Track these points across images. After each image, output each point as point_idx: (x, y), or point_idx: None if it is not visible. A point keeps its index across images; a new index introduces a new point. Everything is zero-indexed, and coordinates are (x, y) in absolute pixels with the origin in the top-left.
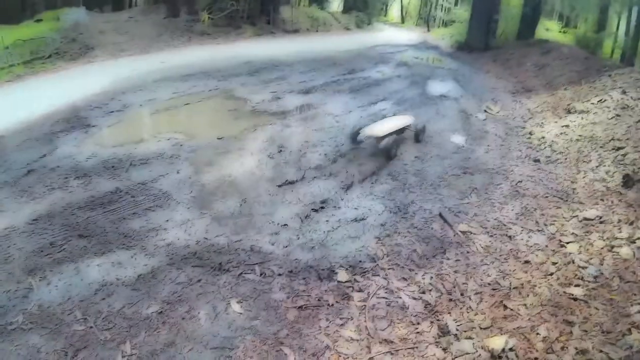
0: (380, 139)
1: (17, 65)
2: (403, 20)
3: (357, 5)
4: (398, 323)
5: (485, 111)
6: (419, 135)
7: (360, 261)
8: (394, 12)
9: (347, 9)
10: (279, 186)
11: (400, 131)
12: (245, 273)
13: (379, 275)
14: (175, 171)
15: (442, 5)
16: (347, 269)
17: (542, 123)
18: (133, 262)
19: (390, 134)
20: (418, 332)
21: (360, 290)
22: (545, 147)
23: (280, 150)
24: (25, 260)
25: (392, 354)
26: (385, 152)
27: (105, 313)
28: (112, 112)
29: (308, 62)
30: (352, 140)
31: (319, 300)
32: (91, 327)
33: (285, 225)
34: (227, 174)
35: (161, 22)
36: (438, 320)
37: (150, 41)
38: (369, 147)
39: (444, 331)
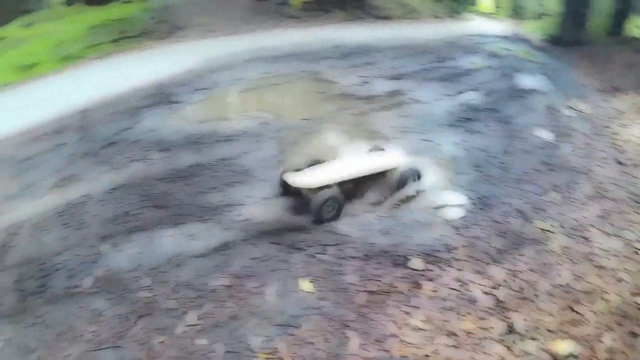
0: (314, 191)
1: (105, 44)
2: (494, 10)
3: None
4: (465, 316)
5: (572, 108)
6: (403, 182)
7: (435, 250)
8: (486, 1)
9: None
10: None
11: (367, 179)
12: (319, 253)
13: (452, 266)
14: (260, 150)
15: None
16: (421, 257)
17: (629, 124)
18: (207, 235)
19: (332, 185)
20: (484, 328)
21: (432, 280)
22: (630, 150)
23: (367, 134)
24: (99, 227)
25: (455, 347)
26: (315, 211)
27: (173, 283)
28: (198, 89)
29: (398, 49)
30: (282, 187)
31: (390, 286)
32: (157, 295)
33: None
34: (312, 154)
35: (250, 4)
36: (506, 317)
37: (239, 23)
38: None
39: (510, 329)
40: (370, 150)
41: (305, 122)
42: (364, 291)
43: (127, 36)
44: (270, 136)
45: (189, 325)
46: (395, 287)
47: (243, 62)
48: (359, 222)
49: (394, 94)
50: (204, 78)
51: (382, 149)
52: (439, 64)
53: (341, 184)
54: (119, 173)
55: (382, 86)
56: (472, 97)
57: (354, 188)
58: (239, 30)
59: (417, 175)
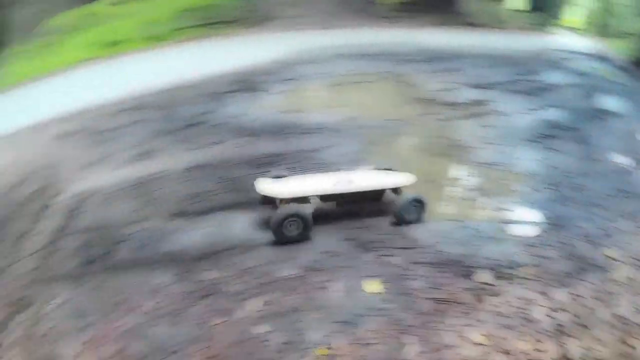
0: (285, 203)
1: (193, 28)
2: (580, 25)
3: (537, 6)
4: (523, 336)
5: None
6: (404, 214)
7: (502, 265)
8: (573, 16)
9: (526, 8)
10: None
11: (358, 199)
12: (388, 255)
13: (517, 283)
14: (341, 145)
15: (622, 16)
16: (488, 271)
17: None
18: None
19: (310, 199)
20: (540, 350)
21: (496, 295)
22: None
23: (449, 142)
24: (172, 203)
25: None
26: (273, 228)
27: (239, 267)
28: (283, 80)
29: (483, 58)
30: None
31: (454, 296)
32: (222, 277)
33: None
34: (392, 155)
35: (340, 0)
36: (562, 342)
37: (328, 18)
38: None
39: (564, 355)
40: (378, 169)
41: (389, 123)
42: (428, 298)
43: (215, 22)
44: (352, 133)
45: (250, 311)
46: (460, 298)
47: (329, 57)
48: (430, 229)
49: (477, 103)
50: (289, 69)
51: (391, 169)
52: (523, 77)
53: (324, 200)
54: (198, 154)
55: (466, 94)
56: (553, 114)
57: (343, 207)
58: (328, 25)
59: (422, 203)
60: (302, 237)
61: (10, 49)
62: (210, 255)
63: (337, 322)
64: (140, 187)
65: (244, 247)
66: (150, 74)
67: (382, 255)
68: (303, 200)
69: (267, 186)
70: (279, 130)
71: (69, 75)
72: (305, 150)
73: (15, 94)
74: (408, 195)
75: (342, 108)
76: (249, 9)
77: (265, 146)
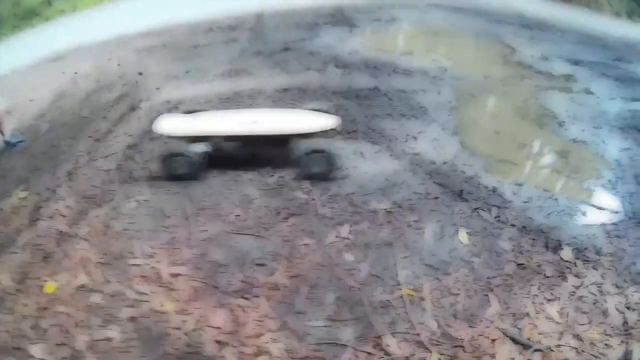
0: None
1: None
2: None
3: None
4: (595, 326)
5: None
6: (304, 166)
7: (586, 248)
8: None
9: None
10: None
11: (262, 142)
12: (481, 209)
13: (597, 270)
14: (437, 92)
15: None
16: (572, 250)
17: None
18: (375, 156)
19: (209, 138)
20: (607, 344)
21: (577, 276)
22: None
23: (540, 110)
24: None
25: (577, 352)
26: (161, 164)
27: (333, 192)
28: (379, 19)
29: (578, 34)
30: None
31: (538, 266)
32: (314, 199)
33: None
34: (487, 112)
35: None
36: (627, 342)
37: None
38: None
39: (627, 356)
40: (309, 109)
41: (483, 79)
42: (514, 262)
43: None
44: (447, 82)
45: (340, 237)
46: (544, 269)
47: (426, 5)
48: (524, 192)
49: (570, 78)
50: (384, 10)
51: (323, 111)
52: (617, 63)
53: (228, 140)
54: (291, 77)
55: (560, 67)
56: None
57: (244, 149)
58: None
59: (328, 158)
60: (191, 176)
61: None
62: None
63: (426, 264)
64: (231, 102)
65: (340, 174)
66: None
67: (475, 207)
68: (202, 138)
69: (163, 123)
70: (376, 67)
71: None
72: (403, 90)
73: (96, 11)
74: (312, 144)
75: (439, 57)
76: None
77: (363, 80)
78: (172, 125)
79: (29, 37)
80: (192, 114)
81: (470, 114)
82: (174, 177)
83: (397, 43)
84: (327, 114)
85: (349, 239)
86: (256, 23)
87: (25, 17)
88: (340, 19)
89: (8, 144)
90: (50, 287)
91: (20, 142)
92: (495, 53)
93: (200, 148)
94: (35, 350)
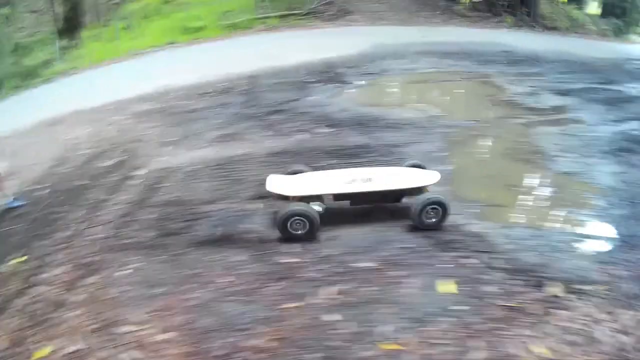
0: (293, 199)
1: (272, 18)
2: None
3: (615, 11)
4: (585, 356)
5: None
6: (422, 218)
7: (573, 280)
8: None
9: (604, 13)
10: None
11: (367, 197)
12: (466, 257)
13: (588, 300)
14: (426, 142)
15: None
16: (561, 284)
17: None
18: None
19: (314, 197)
20: None
21: (565, 309)
22: None
23: (531, 148)
24: (254, 186)
25: None
26: (280, 227)
27: (318, 254)
28: (368, 74)
29: (565, 63)
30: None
31: (526, 306)
32: (300, 262)
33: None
34: (477, 157)
35: None
36: None
37: (408, 14)
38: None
39: None
40: (408, 165)
41: (474, 124)
42: (501, 306)
43: (295, 13)
44: (437, 131)
45: (324, 299)
46: (530, 308)
47: (412, 53)
48: (507, 234)
49: (558, 109)
50: (372, 63)
51: (422, 166)
52: (604, 86)
53: (338, 199)
54: (282, 140)
55: (548, 100)
56: (634, 127)
57: (358, 206)
58: (408, 22)
59: (442, 209)
60: (308, 237)
61: (88, 30)
62: (287, 240)
63: (408, 318)
64: (222, 168)
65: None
66: (232, 60)
67: (460, 256)
68: (315, 198)
69: (275, 184)
70: (365, 123)
71: (148, 58)
72: (392, 144)
73: (95, 73)
74: (428, 197)
75: (427, 106)
76: (329, 1)
77: (352, 138)
78: (289, 185)
79: (30, 98)
80: (298, 174)
81: (460, 162)
82: (294, 238)
83: (387, 96)
84: (426, 169)
85: (335, 298)
86: (247, 85)
87: (26, 77)
88: (331, 76)
89: (9, 206)
90: (38, 354)
91: (20, 205)
92: (484, 94)
93: (317, 208)
94: None
